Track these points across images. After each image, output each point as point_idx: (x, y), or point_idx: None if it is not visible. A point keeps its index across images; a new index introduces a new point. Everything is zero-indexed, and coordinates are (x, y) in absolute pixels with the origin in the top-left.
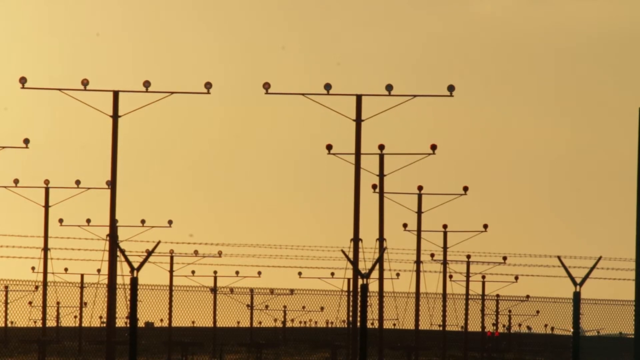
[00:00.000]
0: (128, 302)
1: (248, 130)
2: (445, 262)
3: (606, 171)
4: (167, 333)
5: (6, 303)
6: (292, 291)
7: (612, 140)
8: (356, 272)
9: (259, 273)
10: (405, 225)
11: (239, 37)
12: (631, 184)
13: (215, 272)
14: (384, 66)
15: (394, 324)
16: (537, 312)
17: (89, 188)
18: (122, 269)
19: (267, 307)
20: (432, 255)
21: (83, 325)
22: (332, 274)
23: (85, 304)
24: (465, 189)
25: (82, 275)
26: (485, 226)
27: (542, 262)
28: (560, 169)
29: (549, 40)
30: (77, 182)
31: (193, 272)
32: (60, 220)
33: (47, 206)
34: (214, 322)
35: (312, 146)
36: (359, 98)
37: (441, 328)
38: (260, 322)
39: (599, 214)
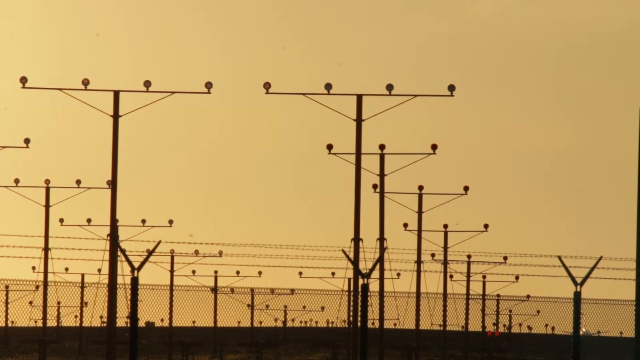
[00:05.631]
0: (129, 302)
1: (248, 130)
2: (445, 262)
3: (606, 171)
4: (168, 333)
5: (7, 303)
6: (292, 291)
7: (612, 140)
8: (357, 272)
9: (260, 273)
10: (405, 225)
11: (239, 37)
12: (631, 184)
13: (215, 272)
14: (384, 66)
15: (395, 324)
16: (538, 312)
17: (89, 188)
18: (123, 268)
19: (267, 306)
20: (433, 255)
21: (83, 325)
22: (333, 273)
23: (86, 303)
24: (466, 188)
25: (82, 275)
26: (486, 226)
27: (542, 262)
28: (560, 169)
29: (549, 40)
30: (78, 182)
31: (194, 272)
32: (61, 220)
33: (47, 206)
34: (215, 321)
35: (313, 146)
36: (359, 98)
37: (442, 328)
38: (260, 322)
39: (599, 214)
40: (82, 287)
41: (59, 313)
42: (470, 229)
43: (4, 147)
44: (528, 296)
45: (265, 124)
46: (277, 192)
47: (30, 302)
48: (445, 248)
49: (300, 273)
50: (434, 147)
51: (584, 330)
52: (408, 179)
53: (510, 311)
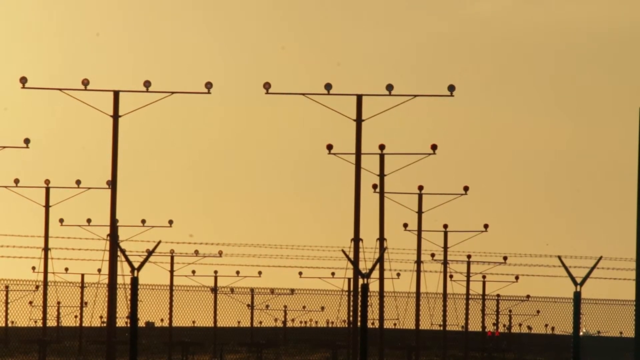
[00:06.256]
0: (128, 302)
1: (248, 130)
2: (445, 262)
3: (606, 171)
4: (168, 333)
5: (7, 303)
6: (292, 291)
7: (612, 140)
8: (357, 272)
9: (260, 273)
10: (405, 225)
11: (239, 37)
12: (631, 184)
13: (215, 272)
14: (384, 66)
15: (395, 324)
16: (538, 312)
17: (89, 188)
18: (123, 268)
19: (267, 307)
20: (433, 255)
21: (83, 325)
22: (333, 273)
23: (86, 303)
24: (466, 188)
25: (82, 275)
26: (486, 226)
27: (542, 262)
28: (560, 169)
29: (549, 40)
30: (78, 182)
31: (193, 272)
32: (61, 220)
33: (47, 206)
34: (215, 322)
35: (313, 146)
36: (359, 98)
37: (442, 328)
38: (260, 322)
39: (599, 214)
40: (82, 287)
41: (59, 313)
42: (470, 229)
43: (4, 147)
44: (528, 296)
45: (265, 124)
46: (277, 192)
47: (30, 302)
48: (445, 248)
49: (300, 273)
50: (434, 147)
51: (584, 330)
52: (408, 179)
53: (510, 311)
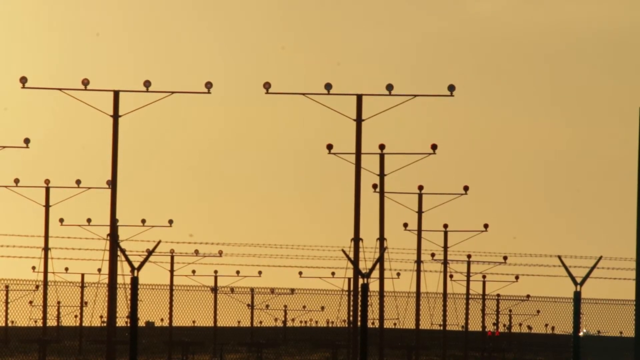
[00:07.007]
0: (128, 302)
1: (248, 130)
2: (445, 262)
3: (606, 171)
4: (168, 332)
5: (7, 302)
6: (292, 291)
7: (612, 140)
8: (357, 271)
9: (260, 273)
10: (405, 225)
11: (239, 37)
12: (631, 184)
13: (215, 271)
14: (384, 66)
15: (395, 324)
16: (538, 311)
17: (89, 188)
18: (123, 268)
19: (267, 306)
20: (433, 254)
21: (83, 324)
22: (333, 273)
23: (86, 303)
24: (466, 188)
25: (82, 275)
26: (486, 226)
27: (542, 262)
28: (560, 169)
29: (548, 40)
30: (78, 182)
31: (193, 271)
32: (61, 220)
33: (47, 206)
34: (215, 321)
35: (313, 146)
36: (359, 98)
37: (442, 328)
38: (260, 322)
39: (599, 214)
40: (82, 287)
41: (59, 313)
42: (470, 229)
43: (4, 147)
44: (528, 296)
45: (265, 124)
46: (277, 192)
47: (30, 302)
48: (445, 248)
49: (300, 273)
50: (434, 147)
51: (584, 330)
52: (408, 179)
53: (510, 311)
